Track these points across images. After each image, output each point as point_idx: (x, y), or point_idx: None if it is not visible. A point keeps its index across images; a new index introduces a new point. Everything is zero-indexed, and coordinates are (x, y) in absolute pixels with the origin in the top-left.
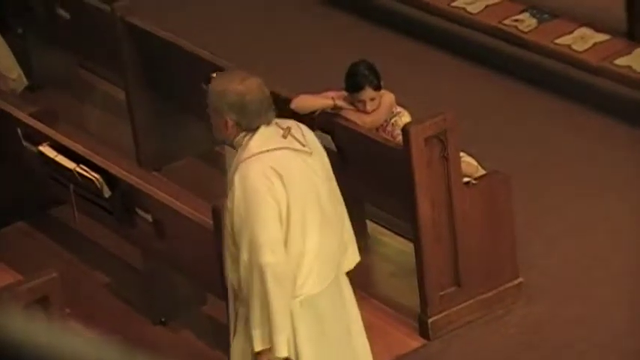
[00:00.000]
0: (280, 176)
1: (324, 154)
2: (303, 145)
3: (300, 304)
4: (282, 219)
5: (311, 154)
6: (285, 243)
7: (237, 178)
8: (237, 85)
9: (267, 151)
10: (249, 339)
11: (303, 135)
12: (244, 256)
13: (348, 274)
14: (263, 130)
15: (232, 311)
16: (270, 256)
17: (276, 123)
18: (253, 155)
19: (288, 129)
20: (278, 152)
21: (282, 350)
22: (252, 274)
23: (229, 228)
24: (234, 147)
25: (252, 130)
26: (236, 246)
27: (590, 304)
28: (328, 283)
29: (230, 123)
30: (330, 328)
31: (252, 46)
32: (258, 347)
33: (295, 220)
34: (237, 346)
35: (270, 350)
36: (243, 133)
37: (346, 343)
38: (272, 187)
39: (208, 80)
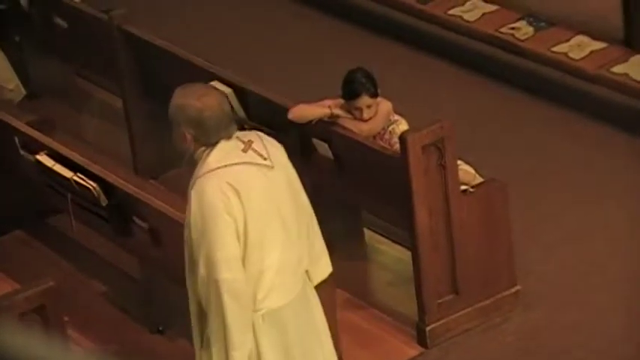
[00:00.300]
0: (237, 192)
1: (289, 166)
2: (265, 159)
3: (262, 318)
4: (239, 235)
5: (272, 167)
6: (243, 259)
7: (193, 194)
8: (195, 101)
9: (225, 166)
10: (209, 354)
11: (265, 148)
12: (202, 271)
13: (346, 281)
14: (222, 145)
15: (196, 325)
16: (227, 272)
17: (237, 137)
18: (211, 171)
19: (250, 142)
20: (236, 167)
21: None
22: (209, 290)
23: (188, 243)
24: (194, 160)
25: (212, 144)
26: (194, 262)
27: (588, 310)
28: (293, 297)
29: (188, 137)
30: (295, 341)
31: (249, 54)
32: None
33: (253, 235)
34: (204, 358)
35: None
36: (203, 148)
37: (314, 355)
38: (228, 202)
39: None
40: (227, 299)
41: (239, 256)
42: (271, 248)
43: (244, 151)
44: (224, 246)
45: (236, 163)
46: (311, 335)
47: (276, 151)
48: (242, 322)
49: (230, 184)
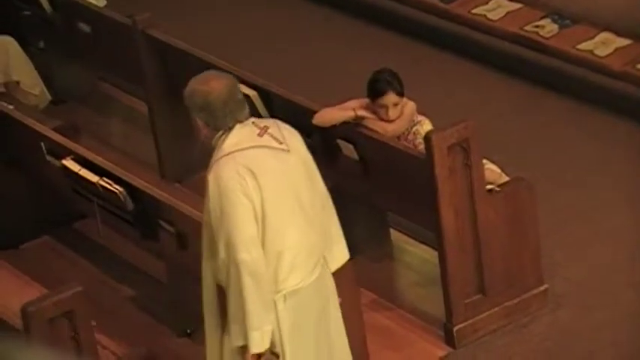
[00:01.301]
0: (254, 174)
1: (306, 151)
2: (280, 143)
3: (283, 298)
4: (257, 216)
5: (288, 151)
6: (262, 240)
7: (211, 178)
8: (201, 86)
9: (241, 149)
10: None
11: (281, 133)
12: (222, 254)
13: (372, 282)
14: (238, 130)
15: (208, 313)
16: (246, 253)
17: (254, 122)
18: (226, 154)
19: (265, 128)
20: (252, 150)
21: (257, 347)
22: (229, 272)
23: (207, 228)
24: (210, 147)
25: (227, 129)
26: (215, 244)
27: (616, 310)
28: (313, 279)
29: (200, 123)
30: (312, 323)
31: (273, 57)
32: (236, 342)
33: (271, 217)
34: (227, 344)
35: None
36: (220, 133)
37: (325, 341)
38: (245, 185)
39: None
40: (247, 280)
41: (257, 238)
42: (289, 229)
43: (260, 135)
44: (242, 228)
45: (252, 147)
46: (326, 321)
47: (292, 136)
48: (261, 302)
49: (246, 167)
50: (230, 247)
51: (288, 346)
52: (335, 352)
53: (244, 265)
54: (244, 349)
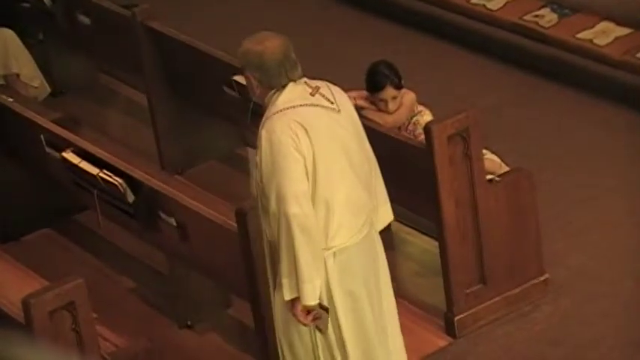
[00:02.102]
0: (305, 130)
1: (355, 113)
2: (332, 103)
3: (333, 256)
4: (307, 172)
5: (339, 111)
6: (312, 196)
7: (263, 133)
8: (256, 45)
9: (294, 107)
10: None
11: (332, 94)
12: (273, 207)
13: None
14: (291, 88)
15: (269, 265)
16: (296, 207)
17: (306, 82)
18: (280, 111)
19: (317, 88)
20: (304, 108)
21: (309, 299)
22: (280, 225)
23: (259, 182)
24: (263, 104)
25: (280, 88)
26: (266, 199)
27: (617, 299)
28: (361, 237)
29: (254, 82)
30: (361, 280)
31: None
32: (287, 296)
33: (322, 173)
34: (278, 299)
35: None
36: (273, 91)
37: (376, 297)
38: (297, 140)
39: (230, 82)
40: (297, 233)
41: (308, 192)
42: (339, 186)
43: (312, 94)
44: (293, 182)
45: (304, 105)
46: (376, 279)
47: (342, 97)
48: (312, 255)
49: (299, 123)
50: (281, 200)
51: (339, 301)
52: (384, 313)
53: (295, 218)
54: (295, 302)
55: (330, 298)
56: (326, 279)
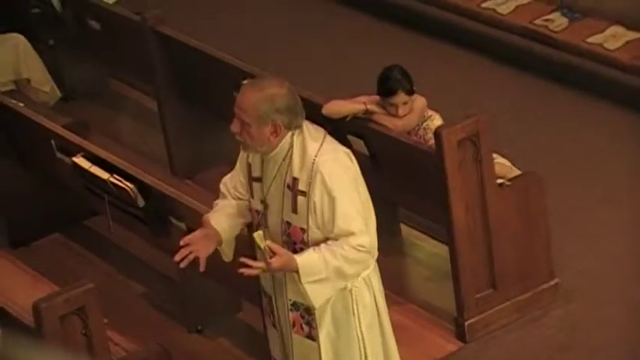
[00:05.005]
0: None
1: None
2: None
3: (374, 268)
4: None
5: None
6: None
7: (327, 159)
8: (280, 90)
9: (325, 136)
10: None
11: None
12: (359, 226)
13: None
14: (307, 125)
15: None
16: (368, 237)
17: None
18: (323, 142)
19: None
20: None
21: (316, 300)
22: (348, 243)
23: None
24: (271, 153)
25: (299, 127)
26: (326, 226)
27: (627, 305)
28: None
29: (280, 127)
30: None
31: (283, 53)
32: (303, 279)
33: (367, 197)
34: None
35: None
36: (290, 134)
37: None
38: (357, 168)
39: (239, 88)
40: (351, 261)
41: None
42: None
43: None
44: (369, 207)
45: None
46: None
47: None
48: (340, 278)
49: (346, 152)
50: (362, 223)
51: (381, 301)
52: None
53: (364, 248)
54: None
55: (375, 299)
56: (372, 293)
